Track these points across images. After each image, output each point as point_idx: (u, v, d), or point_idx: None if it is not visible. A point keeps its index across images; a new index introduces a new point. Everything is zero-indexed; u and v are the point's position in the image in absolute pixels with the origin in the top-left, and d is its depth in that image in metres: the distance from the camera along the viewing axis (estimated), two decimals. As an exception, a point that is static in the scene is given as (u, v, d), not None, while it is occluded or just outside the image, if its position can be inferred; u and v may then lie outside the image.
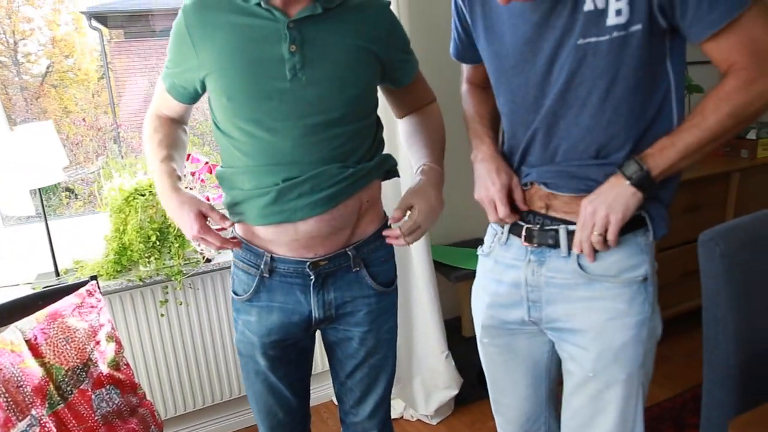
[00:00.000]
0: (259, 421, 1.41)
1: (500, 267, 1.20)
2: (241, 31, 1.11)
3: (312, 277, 1.22)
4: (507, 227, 1.17)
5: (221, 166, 1.25)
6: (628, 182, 0.98)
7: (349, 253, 1.24)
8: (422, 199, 1.22)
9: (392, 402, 2.28)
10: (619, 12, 0.91)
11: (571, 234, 1.06)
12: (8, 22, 3.88)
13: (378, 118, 1.29)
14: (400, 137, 1.44)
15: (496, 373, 1.31)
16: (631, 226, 1.03)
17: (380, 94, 1.32)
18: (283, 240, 1.19)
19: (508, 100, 1.12)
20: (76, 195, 4.35)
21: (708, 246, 1.25)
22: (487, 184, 1.14)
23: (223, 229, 1.26)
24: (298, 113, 1.11)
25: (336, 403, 1.45)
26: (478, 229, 2.65)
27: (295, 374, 1.37)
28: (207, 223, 1.19)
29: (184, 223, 1.19)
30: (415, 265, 2.21)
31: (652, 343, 1.11)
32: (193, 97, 1.27)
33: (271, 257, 1.22)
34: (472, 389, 2.35)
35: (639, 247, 1.07)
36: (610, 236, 1.00)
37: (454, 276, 2.28)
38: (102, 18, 4.96)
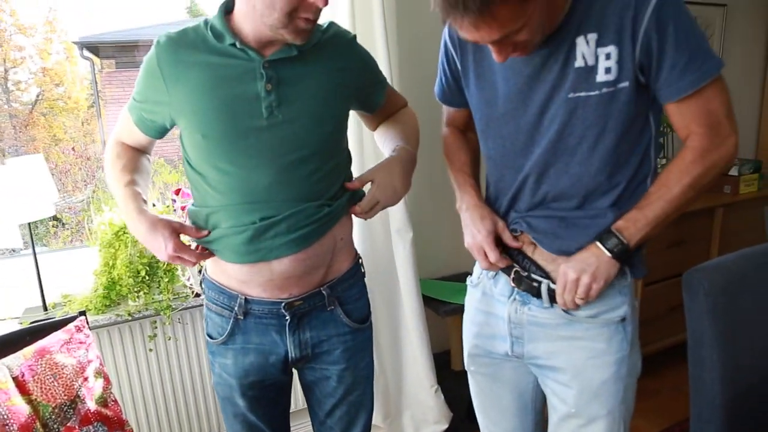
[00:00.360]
0: None
1: (487, 299, 1.24)
2: (216, 70, 1.11)
3: (287, 317, 1.22)
4: None
5: (194, 205, 1.24)
6: (609, 255, 1.05)
7: (324, 292, 1.25)
8: (385, 174, 1.23)
9: (381, 438, 2.27)
10: (608, 70, 0.98)
11: (552, 291, 1.11)
12: (0, 50, 3.90)
13: (348, 153, 1.31)
14: (376, 141, 1.46)
15: (484, 401, 1.34)
16: None
17: (352, 113, 1.34)
18: (258, 280, 1.19)
19: (498, 145, 1.16)
20: (63, 224, 4.33)
21: (692, 285, 1.28)
22: (474, 231, 1.18)
23: (202, 236, 1.21)
24: (274, 151, 1.12)
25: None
26: (466, 264, 2.67)
27: (274, 412, 1.37)
28: (181, 240, 1.17)
29: (158, 244, 1.16)
30: (403, 300, 2.22)
31: (632, 380, 1.15)
32: (161, 132, 1.26)
33: (245, 299, 1.22)
34: (462, 423, 2.34)
35: (617, 290, 1.11)
36: (592, 298, 1.07)
37: (443, 310, 2.28)
38: (94, 48, 5.02)
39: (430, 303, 2.34)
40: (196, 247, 1.22)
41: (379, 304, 2.23)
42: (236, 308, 1.23)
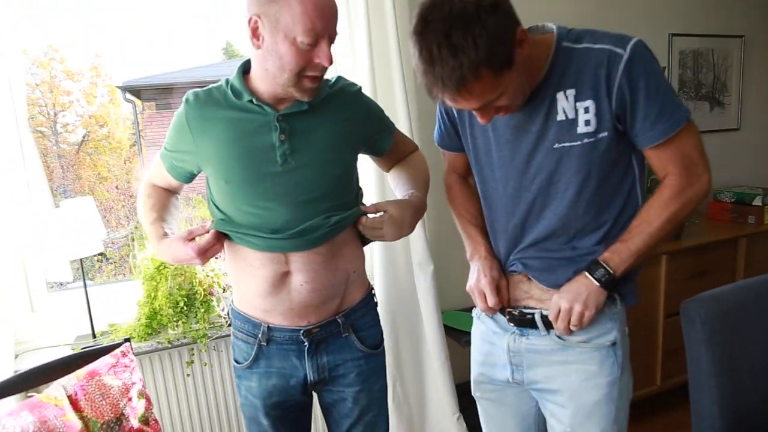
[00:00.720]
0: None
1: (489, 331, 1.34)
2: (237, 124, 1.24)
3: (306, 343, 1.33)
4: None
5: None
6: (597, 284, 1.15)
7: (339, 320, 1.36)
8: (398, 209, 1.32)
9: (405, 464, 2.34)
10: (587, 122, 1.10)
11: (544, 317, 1.22)
12: (50, 96, 4.17)
13: (359, 189, 1.41)
14: (390, 183, 1.56)
15: (490, 426, 1.43)
16: None
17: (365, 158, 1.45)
18: (279, 309, 1.31)
19: (492, 188, 1.28)
20: (107, 258, 4.54)
21: (689, 314, 1.36)
22: (480, 276, 1.30)
23: (209, 229, 1.31)
24: (289, 193, 1.25)
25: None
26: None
27: (296, 431, 1.47)
28: (196, 240, 1.29)
29: (183, 255, 1.29)
30: (426, 330, 2.30)
31: (624, 402, 1.24)
32: (190, 178, 1.41)
33: (268, 327, 1.34)
34: (483, 452, 2.40)
35: (608, 316, 1.21)
36: (584, 325, 1.17)
37: (464, 340, 2.35)
38: (136, 91, 5.32)
39: (452, 333, 2.41)
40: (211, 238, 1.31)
41: (403, 334, 2.32)
42: (260, 335, 1.34)
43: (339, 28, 1.20)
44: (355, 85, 1.38)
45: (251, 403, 1.41)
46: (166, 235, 1.37)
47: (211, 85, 1.31)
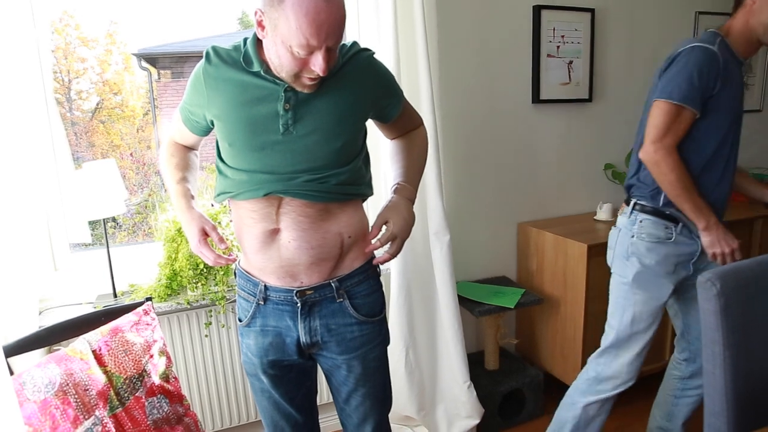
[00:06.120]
0: None
1: None
2: (245, 89, 1.25)
3: (299, 304, 1.35)
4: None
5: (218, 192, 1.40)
6: None
7: (333, 284, 1.36)
8: (395, 213, 1.36)
9: (416, 429, 2.39)
10: None
11: None
12: (64, 62, 4.18)
13: (365, 156, 1.40)
14: (389, 152, 1.57)
15: None
16: None
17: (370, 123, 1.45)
18: (270, 267, 1.32)
19: (735, 142, 1.80)
20: (119, 225, 4.59)
21: (705, 286, 1.36)
22: (729, 240, 1.77)
23: (221, 248, 1.40)
24: (287, 161, 1.25)
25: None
26: (501, 268, 2.79)
27: (296, 392, 1.49)
28: (207, 240, 1.39)
29: (190, 236, 1.40)
30: (440, 299, 2.33)
31: None
32: (205, 131, 1.43)
33: (265, 286, 1.36)
34: (494, 419, 2.44)
35: None
36: None
37: (477, 311, 2.40)
38: (151, 59, 5.31)
39: (466, 304, 2.46)
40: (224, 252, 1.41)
41: (417, 303, 2.35)
42: (258, 294, 1.37)
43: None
44: (369, 50, 1.36)
45: (250, 361, 1.44)
46: (190, 201, 1.43)
47: (233, 43, 1.31)
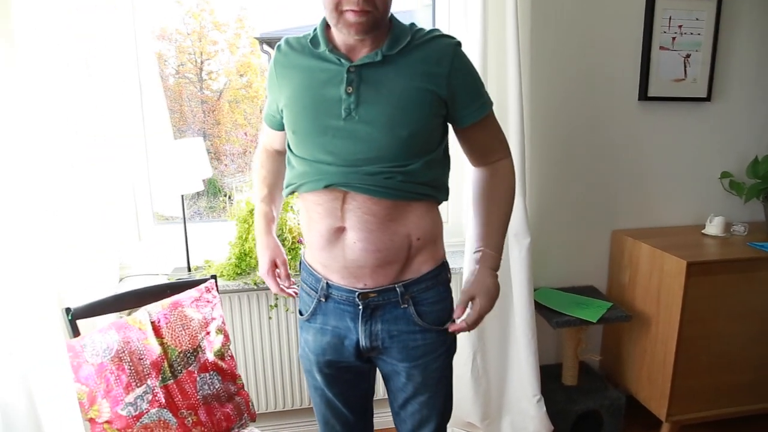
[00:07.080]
0: (320, 430, 1.51)
1: None
2: (312, 72, 1.22)
3: (361, 306, 1.28)
4: None
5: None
6: None
7: (398, 289, 1.27)
8: (482, 291, 1.29)
9: (477, 438, 2.29)
10: None
11: None
12: (198, 44, 4.47)
13: (446, 160, 1.31)
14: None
15: None
16: None
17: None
18: (335, 266, 1.27)
19: None
20: (230, 198, 4.84)
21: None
22: None
23: (286, 285, 1.51)
24: (348, 149, 1.18)
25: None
26: (587, 277, 2.59)
27: (350, 393, 1.44)
28: (276, 271, 1.50)
29: (261, 262, 1.51)
30: (515, 305, 2.20)
31: None
32: (281, 125, 1.36)
33: (327, 283, 1.30)
34: (563, 439, 2.29)
35: None
36: None
37: (556, 321, 2.23)
38: (272, 43, 5.50)
39: (543, 312, 2.30)
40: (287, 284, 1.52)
41: (489, 306, 2.24)
42: (320, 290, 1.32)
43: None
44: (453, 38, 1.25)
45: (307, 356, 1.41)
46: (270, 224, 1.53)
47: (304, 33, 1.29)
